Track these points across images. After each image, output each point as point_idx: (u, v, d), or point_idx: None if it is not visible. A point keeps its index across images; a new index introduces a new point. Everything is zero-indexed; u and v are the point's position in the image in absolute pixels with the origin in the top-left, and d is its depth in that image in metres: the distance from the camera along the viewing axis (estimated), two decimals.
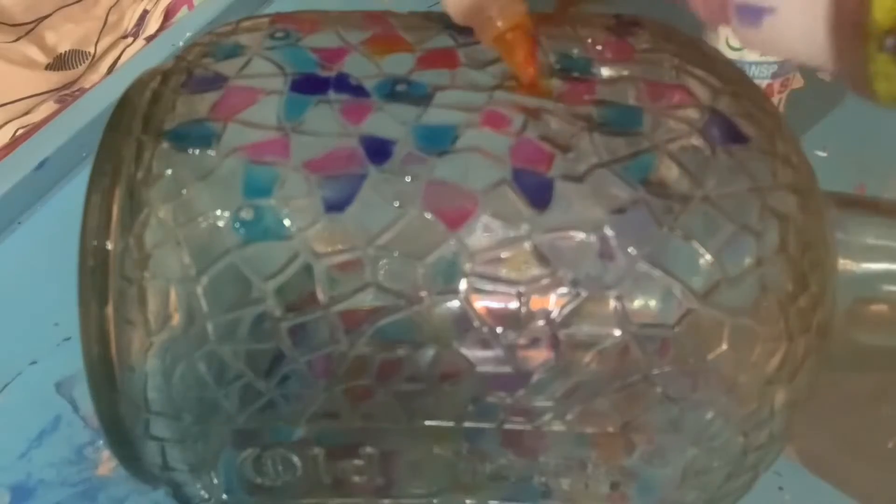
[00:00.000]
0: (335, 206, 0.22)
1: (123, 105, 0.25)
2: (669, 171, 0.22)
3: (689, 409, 0.23)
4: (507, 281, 0.22)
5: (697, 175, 0.22)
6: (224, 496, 0.25)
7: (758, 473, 0.25)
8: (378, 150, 0.22)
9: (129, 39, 0.55)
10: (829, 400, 0.27)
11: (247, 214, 0.22)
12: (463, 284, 0.22)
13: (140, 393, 0.23)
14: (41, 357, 0.36)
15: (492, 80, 0.24)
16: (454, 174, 0.22)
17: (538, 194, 0.22)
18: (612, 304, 0.22)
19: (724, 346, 0.22)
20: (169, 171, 0.22)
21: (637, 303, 0.22)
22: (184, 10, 0.54)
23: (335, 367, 0.22)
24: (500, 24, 0.21)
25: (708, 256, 0.22)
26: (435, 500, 0.26)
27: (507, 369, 0.22)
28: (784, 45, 0.15)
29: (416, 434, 0.24)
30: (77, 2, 0.52)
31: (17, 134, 0.50)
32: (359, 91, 0.24)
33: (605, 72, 0.25)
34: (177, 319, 0.22)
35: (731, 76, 0.25)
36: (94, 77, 0.54)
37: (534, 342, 0.22)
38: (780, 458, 0.26)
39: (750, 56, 0.43)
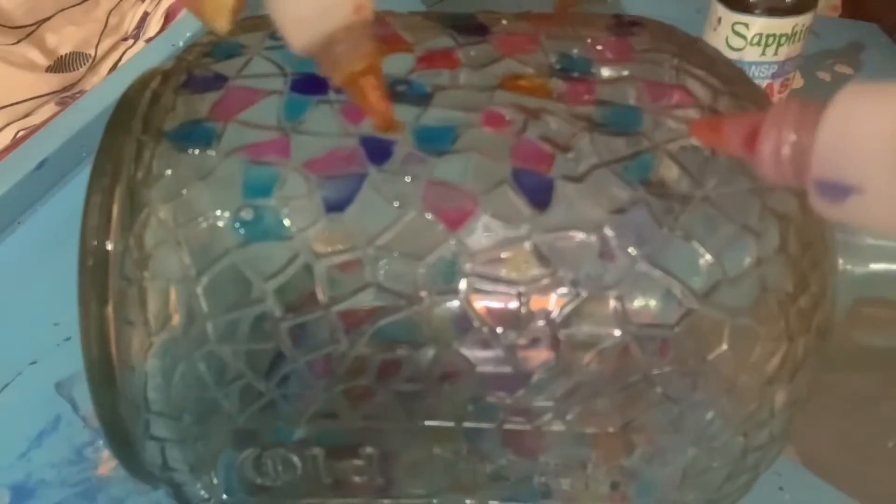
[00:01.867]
0: (335, 206, 0.22)
1: (123, 105, 0.25)
2: (669, 171, 0.22)
3: (689, 409, 0.23)
4: (507, 281, 0.22)
5: (697, 175, 0.22)
6: (224, 496, 0.25)
7: (758, 473, 0.25)
8: (378, 150, 0.22)
9: (130, 41, 0.55)
10: (829, 400, 0.27)
11: (247, 214, 0.22)
12: (463, 284, 0.22)
13: (140, 393, 0.23)
14: (41, 357, 0.36)
15: (492, 80, 0.24)
16: (454, 174, 0.22)
17: (538, 194, 0.22)
18: (612, 304, 0.22)
19: (724, 346, 0.22)
20: (169, 171, 0.23)
21: (637, 303, 0.22)
22: (184, 11, 0.54)
23: (335, 367, 0.22)
24: (350, 67, 0.20)
25: (708, 256, 0.22)
26: (435, 500, 0.26)
27: (507, 369, 0.22)
28: (871, 223, 0.14)
29: (416, 434, 0.24)
30: (78, 4, 0.52)
31: (18, 136, 0.50)
32: None
33: (605, 72, 0.25)
34: (177, 319, 0.22)
35: (731, 76, 0.25)
36: (95, 79, 0.54)
37: (534, 342, 0.22)
38: (780, 458, 0.26)
39: (750, 56, 0.43)
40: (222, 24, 0.18)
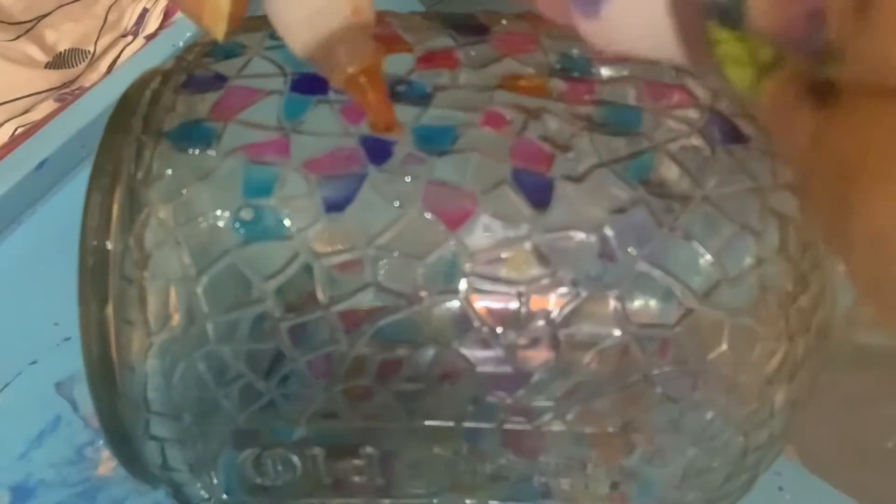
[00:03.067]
0: (335, 206, 0.22)
1: (123, 105, 0.25)
2: (669, 171, 0.22)
3: (689, 409, 0.23)
4: (507, 281, 0.22)
5: (697, 175, 0.22)
6: (224, 496, 0.25)
7: (758, 473, 0.25)
8: (378, 150, 0.22)
9: (129, 38, 0.55)
10: (829, 400, 0.27)
11: (247, 214, 0.22)
12: (463, 284, 0.22)
13: (140, 393, 0.23)
14: (41, 357, 0.36)
15: (492, 80, 0.24)
16: (454, 174, 0.22)
17: (538, 194, 0.22)
18: (612, 304, 0.22)
19: (724, 346, 0.22)
20: (169, 171, 0.22)
21: (637, 303, 0.22)
22: None
23: (335, 367, 0.22)
24: (350, 68, 0.20)
25: (708, 256, 0.22)
26: (435, 500, 0.26)
27: (507, 369, 0.22)
28: (627, 35, 0.13)
29: (416, 434, 0.24)
30: (77, 0, 0.52)
31: (17, 132, 0.50)
32: None
33: (605, 72, 0.25)
34: (177, 319, 0.22)
35: None
36: (94, 76, 0.54)
37: (534, 342, 0.22)
38: (780, 458, 0.26)
39: None
40: (220, 30, 0.18)
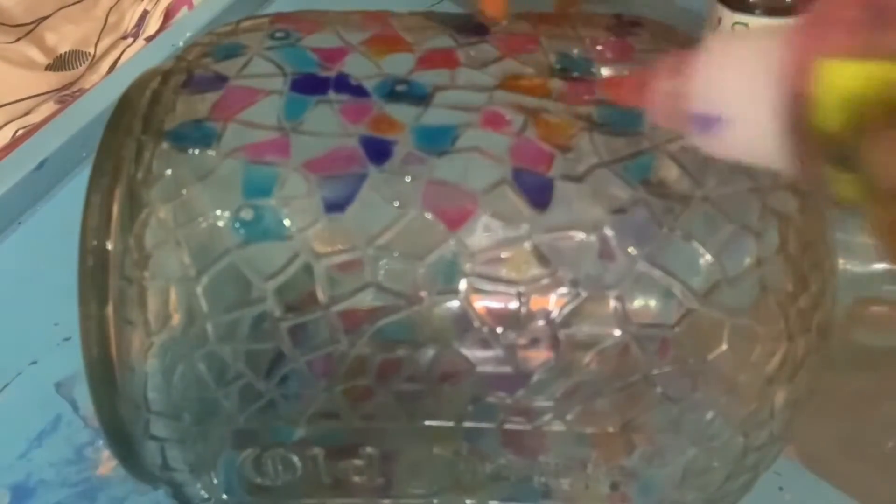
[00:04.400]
0: (335, 206, 0.22)
1: (123, 105, 0.25)
2: (669, 171, 0.22)
3: (689, 409, 0.23)
4: (507, 281, 0.22)
5: (697, 175, 0.22)
6: (224, 496, 0.25)
7: (758, 473, 0.25)
8: (378, 150, 0.22)
9: (129, 40, 0.55)
10: (829, 400, 0.27)
11: (247, 214, 0.22)
12: (463, 284, 0.22)
13: (140, 393, 0.23)
14: (41, 357, 0.36)
15: (492, 80, 0.24)
16: (454, 174, 0.22)
17: (538, 194, 0.22)
18: (612, 304, 0.22)
19: (724, 346, 0.22)
20: (169, 171, 0.22)
21: (637, 303, 0.22)
22: (183, 10, 0.54)
23: (335, 367, 0.22)
24: None
25: (708, 256, 0.22)
26: (435, 500, 0.26)
27: (507, 369, 0.22)
28: (741, 152, 0.15)
29: (416, 434, 0.24)
30: (77, 2, 0.52)
31: (18, 134, 0.50)
32: (359, 91, 0.24)
33: (605, 72, 0.25)
34: (177, 319, 0.22)
35: None
36: (94, 77, 0.54)
37: (534, 342, 0.22)
38: (780, 458, 0.26)
39: None
40: None
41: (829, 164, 0.12)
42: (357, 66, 0.24)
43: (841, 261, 0.24)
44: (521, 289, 0.22)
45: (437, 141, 0.23)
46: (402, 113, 0.23)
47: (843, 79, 0.11)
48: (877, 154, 0.11)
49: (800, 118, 0.13)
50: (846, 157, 0.12)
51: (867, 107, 0.11)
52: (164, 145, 0.23)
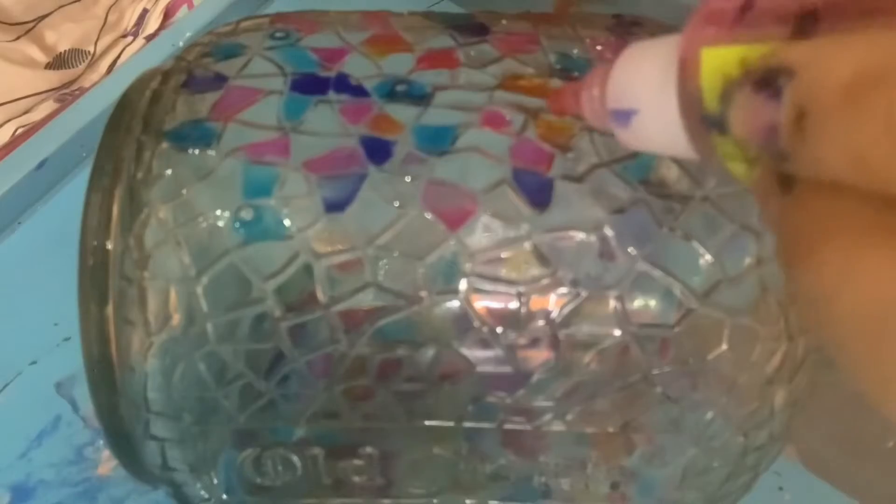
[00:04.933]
0: (335, 206, 0.22)
1: (123, 105, 0.25)
2: (669, 171, 0.22)
3: (689, 409, 0.23)
4: (507, 281, 0.22)
5: (697, 175, 0.22)
6: (224, 496, 0.25)
7: (758, 473, 0.25)
8: (378, 150, 0.22)
9: (129, 38, 0.55)
10: (829, 400, 0.27)
11: (247, 214, 0.22)
12: (463, 284, 0.22)
13: (140, 393, 0.23)
14: (41, 357, 0.36)
15: (492, 80, 0.24)
16: (454, 174, 0.22)
17: (538, 194, 0.22)
18: (612, 304, 0.22)
19: (724, 346, 0.22)
20: (169, 171, 0.22)
21: (637, 303, 0.22)
22: (183, 9, 0.54)
23: (335, 367, 0.22)
24: None
25: (708, 256, 0.22)
26: (435, 500, 0.26)
27: (507, 369, 0.22)
28: (653, 141, 0.17)
29: (416, 434, 0.24)
30: (77, 1, 0.52)
31: (17, 133, 0.50)
32: (359, 91, 0.24)
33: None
34: (177, 319, 0.22)
35: None
36: (94, 76, 0.54)
37: (534, 342, 0.22)
38: (780, 458, 0.26)
39: None
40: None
41: (719, 143, 0.14)
42: (357, 66, 0.24)
43: None
44: (521, 289, 0.22)
45: (437, 141, 0.23)
46: (402, 113, 0.23)
47: (717, 62, 0.13)
48: (734, 114, 0.13)
49: (690, 104, 0.14)
50: (726, 131, 0.13)
51: (733, 83, 0.13)
52: (164, 145, 0.23)
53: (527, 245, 0.22)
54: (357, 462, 0.25)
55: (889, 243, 0.11)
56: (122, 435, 0.24)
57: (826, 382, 0.25)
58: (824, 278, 0.12)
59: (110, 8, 0.54)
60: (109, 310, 0.22)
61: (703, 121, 0.14)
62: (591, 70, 0.19)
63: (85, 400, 0.34)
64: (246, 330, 0.22)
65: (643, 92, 0.16)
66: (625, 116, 0.17)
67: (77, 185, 0.41)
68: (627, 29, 0.26)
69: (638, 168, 0.22)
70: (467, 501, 0.26)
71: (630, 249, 0.22)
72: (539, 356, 0.22)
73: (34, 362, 0.36)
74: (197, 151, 0.23)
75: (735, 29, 0.13)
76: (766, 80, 0.12)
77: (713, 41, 0.13)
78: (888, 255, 0.11)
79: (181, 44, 0.45)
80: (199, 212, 0.22)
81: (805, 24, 0.12)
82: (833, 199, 0.12)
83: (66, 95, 0.53)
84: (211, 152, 0.22)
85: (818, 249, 0.12)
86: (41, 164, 0.40)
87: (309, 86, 0.24)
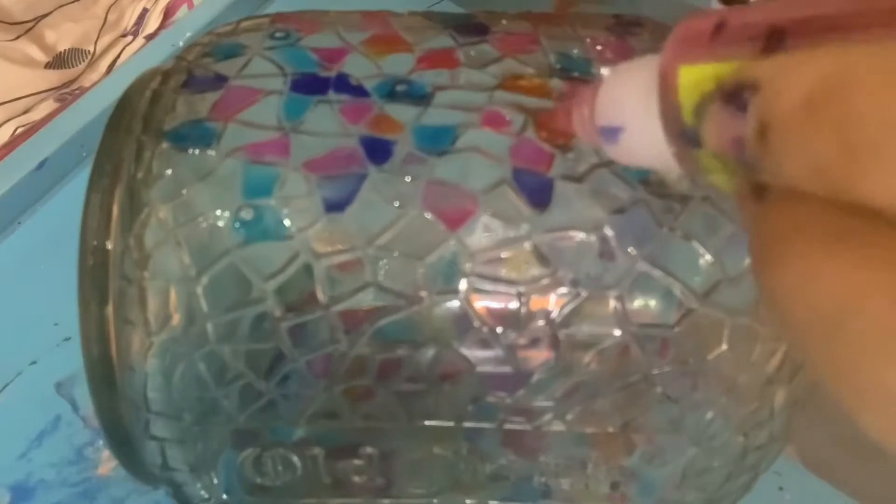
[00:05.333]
0: (335, 206, 0.22)
1: (123, 105, 0.25)
2: (669, 172, 0.22)
3: (689, 409, 0.23)
4: (507, 281, 0.22)
5: None
6: (224, 496, 0.25)
7: (758, 473, 0.25)
8: (378, 150, 0.22)
9: (129, 38, 0.55)
10: (829, 400, 0.27)
11: (247, 214, 0.22)
12: (463, 284, 0.22)
13: (140, 393, 0.23)
14: (41, 357, 0.36)
15: (492, 80, 0.24)
16: (454, 174, 0.22)
17: (538, 194, 0.22)
18: (612, 304, 0.22)
19: (724, 346, 0.22)
20: (169, 171, 0.22)
21: (637, 303, 0.22)
22: (183, 8, 0.54)
23: (335, 367, 0.22)
24: None
25: (708, 256, 0.22)
26: (435, 500, 0.26)
27: (507, 369, 0.22)
28: (640, 156, 0.17)
29: (416, 434, 0.24)
30: (76, 0, 0.52)
31: (17, 132, 0.50)
32: (359, 91, 0.24)
33: (605, 72, 0.25)
34: (177, 319, 0.22)
35: None
36: (94, 76, 0.54)
37: (534, 342, 0.22)
38: (780, 458, 0.26)
39: None
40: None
41: (700, 156, 0.14)
42: (357, 66, 0.24)
43: None
44: (521, 289, 0.22)
45: (437, 141, 0.23)
46: (402, 113, 0.23)
47: (694, 79, 0.14)
48: (707, 128, 0.13)
49: (671, 120, 0.15)
50: (701, 144, 0.14)
51: (706, 98, 0.13)
52: (164, 145, 0.23)
53: (527, 245, 0.22)
54: (357, 462, 0.25)
55: (848, 248, 0.11)
56: (122, 435, 0.24)
57: None
58: (786, 282, 0.12)
59: (110, 7, 0.54)
60: (109, 310, 0.22)
61: (682, 135, 0.15)
62: (581, 90, 0.19)
63: (85, 400, 0.34)
64: (246, 330, 0.22)
65: (629, 110, 0.17)
66: (613, 133, 0.17)
67: (77, 185, 0.41)
68: (627, 29, 0.26)
69: (638, 168, 0.22)
70: (467, 501, 0.26)
71: (630, 249, 0.22)
72: (539, 356, 0.22)
73: (34, 362, 0.36)
74: (197, 151, 0.23)
75: (710, 47, 0.14)
76: (734, 95, 0.13)
77: (690, 59, 0.14)
78: (847, 260, 0.11)
79: (181, 44, 0.45)
80: (199, 212, 0.22)
81: (773, 41, 0.12)
82: (798, 207, 0.12)
83: (65, 95, 0.53)
84: (211, 152, 0.22)
85: (781, 254, 0.12)
86: (41, 164, 0.40)
87: (309, 86, 0.24)
